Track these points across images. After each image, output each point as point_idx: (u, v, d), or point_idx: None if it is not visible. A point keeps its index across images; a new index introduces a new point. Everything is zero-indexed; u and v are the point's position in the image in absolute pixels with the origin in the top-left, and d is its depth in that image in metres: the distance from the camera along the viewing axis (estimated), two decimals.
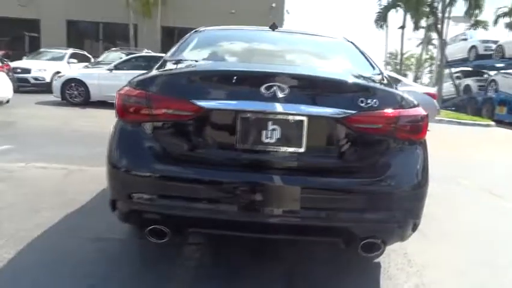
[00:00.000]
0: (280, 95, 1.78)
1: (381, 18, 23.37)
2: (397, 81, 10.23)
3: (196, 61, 2.28)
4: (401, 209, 1.86)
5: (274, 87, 1.78)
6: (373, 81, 2.14)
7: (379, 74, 2.31)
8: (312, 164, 1.84)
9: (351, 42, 2.85)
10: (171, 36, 19.91)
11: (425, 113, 1.98)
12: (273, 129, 1.81)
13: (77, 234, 2.43)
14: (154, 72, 2.05)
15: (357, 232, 1.86)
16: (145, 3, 18.33)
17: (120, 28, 19.35)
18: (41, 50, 15.00)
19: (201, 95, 1.82)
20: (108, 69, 9.68)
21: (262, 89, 1.78)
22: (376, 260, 2.33)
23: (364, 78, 2.13)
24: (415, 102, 1.99)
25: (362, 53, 2.64)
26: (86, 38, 20.84)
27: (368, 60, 2.54)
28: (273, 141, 1.81)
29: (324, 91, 1.86)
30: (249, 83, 1.85)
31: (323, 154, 1.86)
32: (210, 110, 1.80)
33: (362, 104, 1.82)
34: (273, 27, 2.92)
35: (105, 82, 9.25)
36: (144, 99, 1.84)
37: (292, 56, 2.57)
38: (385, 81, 2.18)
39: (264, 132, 1.81)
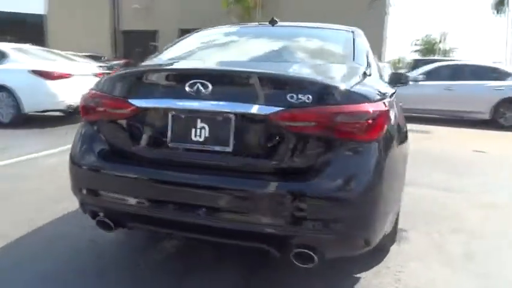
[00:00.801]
0: (204, 92, 1.73)
1: (501, 2, 20.28)
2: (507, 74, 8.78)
3: (154, 61, 2.35)
4: (338, 219, 1.64)
5: (198, 85, 1.73)
6: (327, 75, 1.92)
7: (355, 68, 2.06)
8: (239, 164, 1.74)
9: (352, 32, 2.59)
10: None
11: (379, 109, 1.70)
12: (202, 128, 1.76)
13: None
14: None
15: (288, 240, 1.70)
16: (246, 7, 19.07)
17: None
18: None
19: (138, 94, 1.87)
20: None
21: (187, 86, 1.75)
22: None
23: (316, 72, 1.94)
24: (369, 97, 1.73)
25: (354, 45, 2.37)
26: None
27: (354, 52, 2.28)
28: (201, 139, 1.77)
29: (252, 87, 1.73)
30: (177, 81, 1.84)
31: (251, 154, 1.74)
32: (143, 108, 1.84)
33: (292, 100, 1.65)
34: (272, 22, 2.82)
35: None
36: (93, 98, 1.97)
37: (261, 52, 2.43)
38: (355, 75, 1.94)
39: (193, 131, 1.77)
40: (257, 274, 2.13)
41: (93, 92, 2.01)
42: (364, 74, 2.00)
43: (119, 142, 1.93)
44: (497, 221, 3.05)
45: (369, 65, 2.19)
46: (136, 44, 22.13)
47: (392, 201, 1.91)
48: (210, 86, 1.72)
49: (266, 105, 1.67)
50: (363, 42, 2.48)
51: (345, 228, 1.65)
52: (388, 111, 1.77)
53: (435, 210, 3.20)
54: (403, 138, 2.07)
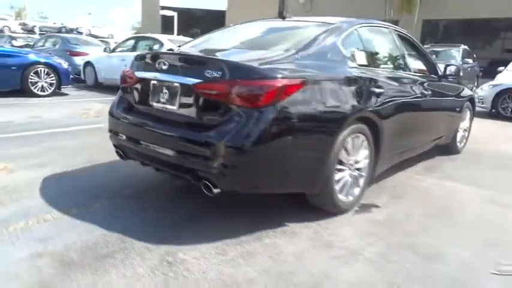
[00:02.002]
0: (163, 68, 2.57)
1: None
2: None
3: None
4: (225, 162, 2.26)
5: (160, 63, 2.58)
6: (246, 59, 2.50)
7: (282, 55, 2.55)
8: (179, 119, 2.52)
9: (329, 27, 2.97)
10: (434, 29, 19.03)
11: (270, 86, 2.24)
12: (165, 92, 2.61)
13: None
14: None
15: (198, 173, 2.40)
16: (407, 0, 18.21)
17: None
18: None
19: (138, 69, 2.83)
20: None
21: (156, 64, 2.62)
22: None
23: (241, 56, 2.58)
24: (266, 76, 2.27)
25: (313, 38, 2.79)
26: None
27: (303, 43, 2.70)
28: (164, 100, 2.62)
29: (190, 65, 2.48)
30: (154, 60, 2.70)
31: (186, 112, 2.49)
32: (139, 78, 2.79)
33: (207, 75, 2.34)
34: (282, 17, 3.38)
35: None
36: (124, 72, 3.02)
37: (231, 41, 3.07)
38: (272, 60, 2.47)
39: (161, 94, 2.64)
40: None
41: (125, 68, 3.07)
42: (285, 60, 2.48)
43: (130, 101, 2.94)
44: None
45: (311, 54, 2.61)
46: None
47: (284, 161, 2.37)
48: (167, 64, 2.55)
49: (193, 78, 2.39)
50: (330, 36, 2.84)
51: (229, 169, 2.26)
52: (280, 88, 2.26)
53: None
54: (310, 114, 2.44)
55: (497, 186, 3.71)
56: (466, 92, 4.86)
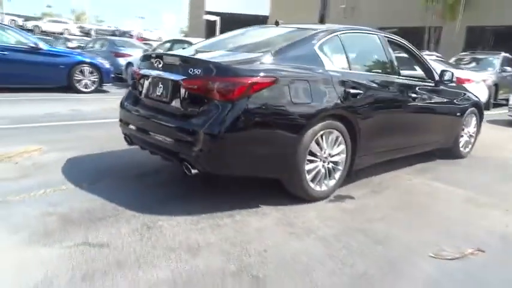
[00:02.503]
0: (159, 66, 3.02)
1: None
2: None
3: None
4: (201, 147, 2.66)
5: (157, 62, 3.04)
6: (224, 59, 2.91)
7: (260, 55, 2.91)
8: (169, 109, 2.96)
9: (311, 31, 3.30)
10: (478, 36, 18.44)
11: (239, 83, 2.62)
12: (160, 87, 3.07)
13: None
14: None
15: (180, 155, 2.82)
16: (450, 5, 17.80)
17: (413, 32, 19.57)
18: None
19: (141, 66, 3.32)
20: None
21: (154, 63, 3.08)
22: None
23: (222, 57, 2.98)
24: (237, 74, 2.65)
25: (294, 41, 3.14)
26: None
27: (281, 46, 3.06)
28: (159, 94, 3.07)
29: (179, 64, 2.91)
30: (152, 59, 3.16)
31: (174, 104, 2.92)
32: (142, 74, 3.27)
33: (190, 73, 2.77)
34: (276, 24, 3.75)
35: None
36: (134, 71, 3.52)
37: (223, 44, 3.46)
38: (247, 61, 2.84)
39: (157, 88, 3.10)
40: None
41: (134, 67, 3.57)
42: (259, 61, 2.83)
43: (136, 94, 3.43)
44: None
45: (286, 57, 2.96)
46: None
47: (252, 148, 2.74)
48: (162, 63, 3.01)
49: (180, 75, 2.83)
50: (308, 41, 3.17)
51: (202, 152, 2.66)
52: (249, 85, 2.63)
53: None
54: (278, 108, 2.79)
55: (483, 189, 3.83)
56: (470, 98, 4.95)
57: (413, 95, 3.90)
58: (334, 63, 3.27)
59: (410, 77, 4.17)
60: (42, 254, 2.15)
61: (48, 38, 20.75)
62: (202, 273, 2.07)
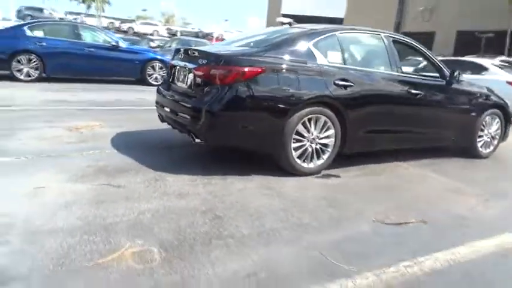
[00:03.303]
0: (181, 57, 3.80)
1: None
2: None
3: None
4: (203, 121, 3.36)
5: (181, 54, 3.82)
6: (226, 51, 3.59)
7: (256, 49, 3.54)
8: (187, 92, 3.71)
9: (310, 30, 3.84)
10: None
11: (231, 70, 3.28)
12: (182, 74, 3.84)
13: None
14: None
15: (189, 128, 3.56)
16: None
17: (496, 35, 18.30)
18: None
19: (173, 58, 4.13)
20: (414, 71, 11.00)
21: (179, 55, 3.87)
22: None
23: (225, 50, 3.62)
24: (231, 63, 3.32)
25: (290, 38, 3.73)
26: (469, 47, 21.12)
27: (272, 43, 3.69)
28: (181, 80, 3.85)
29: (194, 56, 3.65)
30: (179, 53, 3.94)
31: (190, 88, 3.66)
32: (172, 64, 4.08)
33: (200, 62, 3.50)
34: (290, 24, 4.33)
35: None
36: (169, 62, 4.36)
37: (239, 41, 4.09)
38: (243, 53, 3.55)
39: (180, 76, 3.88)
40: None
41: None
42: (255, 54, 3.46)
43: (169, 80, 4.25)
44: None
45: (279, 51, 3.55)
46: None
47: (244, 124, 3.38)
48: (183, 56, 3.78)
49: (193, 64, 3.57)
50: (303, 38, 3.71)
51: (202, 122, 3.36)
52: (241, 73, 3.27)
53: None
54: (267, 93, 3.40)
55: (476, 183, 4.03)
56: (492, 99, 5.03)
57: (414, 91, 4.20)
58: (329, 58, 3.78)
59: (420, 75, 4.47)
60: (75, 187, 3.03)
61: (136, 38, 23.22)
62: (180, 209, 2.78)
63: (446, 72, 4.57)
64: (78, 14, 42.03)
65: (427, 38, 22.44)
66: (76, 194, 2.88)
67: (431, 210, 3.15)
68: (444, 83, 4.56)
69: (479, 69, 9.46)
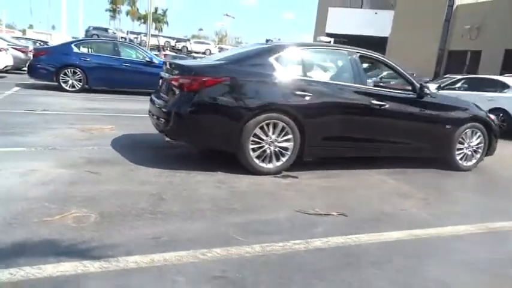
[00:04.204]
0: (166, 70, 4.45)
1: None
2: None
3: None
4: (172, 122, 3.96)
5: (166, 67, 4.47)
6: (196, 64, 4.13)
7: (221, 62, 4.09)
8: (165, 99, 4.33)
9: (274, 46, 4.34)
10: None
11: (196, 79, 3.85)
12: (165, 85, 4.49)
13: None
14: None
15: (162, 129, 4.16)
16: None
17: None
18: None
19: (162, 70, 4.80)
20: (436, 89, 10.98)
21: (165, 67, 4.52)
22: None
23: (195, 63, 4.18)
24: (198, 73, 3.90)
25: (254, 53, 4.24)
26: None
27: (236, 56, 4.21)
28: (163, 89, 4.50)
29: (172, 68, 4.28)
30: (166, 65, 4.59)
31: (166, 95, 4.28)
32: (160, 76, 4.75)
33: (174, 73, 4.12)
34: (267, 41, 4.85)
35: None
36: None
37: (219, 55, 4.63)
38: (208, 65, 4.12)
39: (163, 86, 4.53)
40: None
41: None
42: (217, 65, 4.02)
43: (158, 90, 4.91)
44: None
45: (241, 64, 4.08)
46: (457, 63, 22.38)
47: (206, 126, 3.92)
48: (167, 68, 4.43)
49: (170, 75, 4.20)
50: (265, 53, 4.21)
51: (171, 123, 3.95)
52: (202, 81, 3.84)
53: None
54: (226, 99, 3.91)
55: (431, 190, 4.25)
56: (472, 112, 5.16)
57: (378, 102, 4.51)
58: (289, 70, 4.24)
59: (387, 88, 4.78)
60: (60, 171, 3.72)
61: (183, 56, 24.80)
62: (135, 191, 3.35)
63: (417, 85, 4.82)
64: (139, 33, 45.18)
65: (473, 56, 21.82)
66: (58, 176, 3.56)
67: (362, 207, 3.46)
68: (415, 96, 4.80)
69: (502, 86, 9.34)
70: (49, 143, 4.78)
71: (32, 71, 10.25)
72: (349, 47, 4.71)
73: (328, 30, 29.97)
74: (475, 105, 5.49)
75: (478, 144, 5.27)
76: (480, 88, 9.81)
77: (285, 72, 4.21)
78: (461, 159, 5.21)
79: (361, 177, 4.48)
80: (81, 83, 10.14)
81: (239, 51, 4.65)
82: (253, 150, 4.07)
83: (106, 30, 41.37)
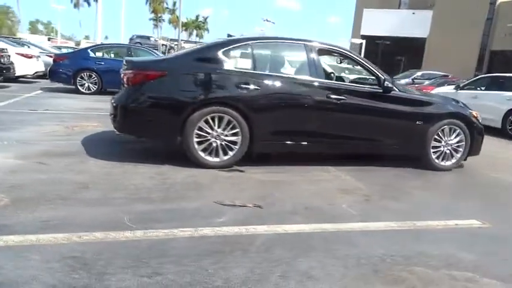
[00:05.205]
0: (123, 66, 4.59)
1: None
2: None
3: None
4: (117, 115, 4.06)
5: (123, 64, 4.61)
6: (147, 60, 4.18)
7: (167, 57, 4.13)
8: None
9: (223, 40, 4.35)
10: None
11: (138, 73, 3.93)
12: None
13: None
14: None
15: (115, 121, 4.28)
16: None
17: None
18: None
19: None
20: (455, 89, 10.39)
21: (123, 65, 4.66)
22: None
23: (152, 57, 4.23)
24: (141, 68, 3.99)
25: (206, 47, 4.24)
26: None
27: (189, 51, 4.22)
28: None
29: (125, 64, 4.39)
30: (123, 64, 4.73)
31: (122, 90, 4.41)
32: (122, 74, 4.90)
33: (124, 68, 4.23)
34: (228, 36, 4.84)
35: None
36: None
37: (179, 52, 4.64)
38: (156, 60, 4.15)
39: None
40: None
41: None
42: (161, 60, 4.06)
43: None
44: None
45: (185, 57, 4.13)
46: (500, 64, 20.99)
47: (149, 118, 3.98)
48: (124, 64, 4.56)
49: (124, 70, 4.32)
50: (212, 47, 4.22)
51: (118, 117, 4.06)
52: (145, 75, 3.91)
53: None
54: (168, 92, 3.98)
55: (381, 187, 4.04)
56: (448, 108, 4.85)
57: (335, 96, 4.35)
58: (238, 64, 4.22)
59: (345, 81, 4.62)
60: (11, 161, 3.94)
61: None
62: (65, 180, 3.48)
63: (382, 79, 4.59)
64: (177, 40, 46.73)
65: None
66: (3, 165, 3.78)
67: (289, 201, 3.36)
68: (381, 90, 4.58)
69: None
70: (25, 137, 5.06)
71: (52, 75, 10.91)
72: (308, 39, 4.57)
73: (363, 32, 29.26)
74: (458, 101, 5.15)
75: (458, 142, 4.93)
76: (500, 87, 9.16)
77: (233, 66, 4.19)
78: (438, 158, 4.89)
79: (316, 173, 4.33)
80: (96, 86, 10.64)
81: (193, 47, 4.70)
82: (199, 143, 4.07)
83: (148, 38, 43.09)
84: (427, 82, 16.51)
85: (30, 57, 13.15)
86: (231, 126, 4.11)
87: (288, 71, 4.51)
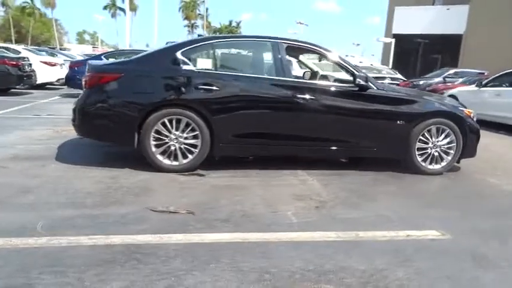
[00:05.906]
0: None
1: None
2: None
3: None
4: (76, 116, 4.02)
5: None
6: (98, 63, 4.13)
7: (124, 60, 4.03)
8: None
9: (187, 40, 4.16)
10: None
11: (94, 75, 3.87)
12: None
13: None
14: None
15: (74, 124, 4.24)
16: None
17: None
18: None
19: None
20: (477, 86, 9.68)
21: None
22: None
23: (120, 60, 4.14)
24: (94, 70, 3.92)
25: (164, 48, 4.13)
26: None
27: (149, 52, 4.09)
28: None
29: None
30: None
31: None
32: None
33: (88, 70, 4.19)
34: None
35: (472, 99, 9.42)
36: None
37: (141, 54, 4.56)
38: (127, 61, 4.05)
39: None
40: None
41: None
42: (118, 63, 3.96)
43: None
44: None
45: (144, 59, 4.01)
46: None
47: (104, 121, 3.89)
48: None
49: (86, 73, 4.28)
50: (172, 47, 4.06)
51: (76, 120, 4.01)
52: (99, 77, 3.84)
53: None
54: (123, 94, 3.88)
55: (344, 193, 3.72)
56: (433, 106, 4.44)
57: (303, 96, 4.07)
58: (197, 65, 4.05)
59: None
60: None
61: None
62: (10, 184, 3.46)
63: (357, 76, 4.25)
64: None
65: None
66: None
67: (227, 208, 3.14)
68: (356, 88, 4.25)
69: None
70: (4, 142, 5.14)
71: (68, 81, 11.27)
72: (274, 37, 4.32)
73: (394, 31, 28.29)
74: (449, 98, 4.70)
75: (448, 143, 4.48)
76: None
77: (191, 66, 4.03)
78: (425, 161, 4.47)
79: (282, 178, 4.07)
80: None
81: (153, 49, 4.60)
82: (157, 146, 3.94)
83: None
84: (460, 80, 15.58)
85: (54, 65, 13.71)
86: (190, 128, 3.95)
87: (252, 70, 4.28)
